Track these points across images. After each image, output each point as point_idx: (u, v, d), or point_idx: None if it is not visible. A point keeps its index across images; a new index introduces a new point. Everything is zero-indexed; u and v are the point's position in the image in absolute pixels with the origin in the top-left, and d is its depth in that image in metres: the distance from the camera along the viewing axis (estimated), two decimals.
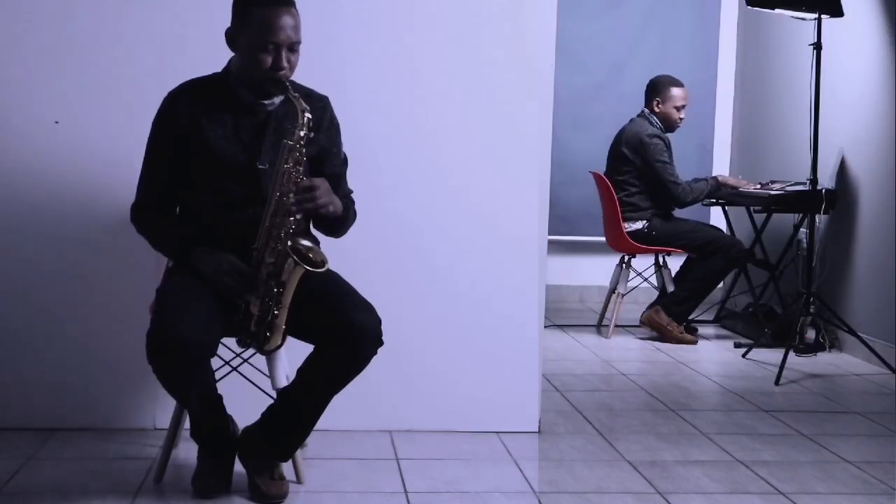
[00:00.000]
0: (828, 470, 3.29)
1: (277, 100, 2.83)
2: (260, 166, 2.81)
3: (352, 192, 2.98)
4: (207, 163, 2.80)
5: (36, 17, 3.36)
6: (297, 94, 2.74)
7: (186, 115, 2.81)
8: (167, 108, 2.85)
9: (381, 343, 2.75)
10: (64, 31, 3.37)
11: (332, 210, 2.76)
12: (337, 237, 2.96)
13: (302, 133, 2.72)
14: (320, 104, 2.89)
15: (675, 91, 5.57)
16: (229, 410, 2.91)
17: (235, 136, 2.81)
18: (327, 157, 2.89)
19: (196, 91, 2.85)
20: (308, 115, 2.73)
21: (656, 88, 5.59)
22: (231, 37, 2.79)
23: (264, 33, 2.71)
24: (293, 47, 2.75)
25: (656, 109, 5.56)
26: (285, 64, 2.73)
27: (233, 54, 2.84)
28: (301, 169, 2.72)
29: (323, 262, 2.73)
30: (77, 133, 3.38)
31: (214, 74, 2.88)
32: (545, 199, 3.62)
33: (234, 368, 3.00)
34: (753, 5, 5.02)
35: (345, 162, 2.99)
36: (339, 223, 2.89)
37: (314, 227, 2.96)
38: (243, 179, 2.81)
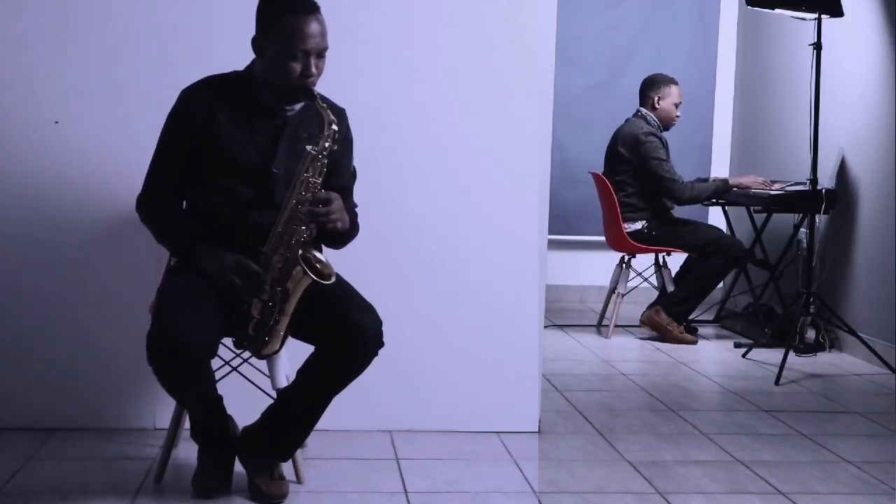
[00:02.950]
0: (828, 470, 3.29)
1: (298, 106, 2.82)
2: (274, 170, 2.80)
3: (356, 206, 2.98)
4: (220, 162, 2.80)
5: (36, 17, 3.36)
6: (325, 105, 2.74)
7: (203, 113, 2.80)
8: (183, 105, 2.84)
9: (381, 344, 2.75)
10: (64, 31, 3.37)
11: (340, 227, 2.76)
12: (336, 249, 2.96)
13: (327, 144, 2.71)
14: (337, 116, 2.88)
15: (673, 88, 5.58)
16: (229, 410, 2.91)
17: (250, 138, 2.80)
18: (337, 169, 2.88)
19: (214, 89, 2.84)
20: (335, 126, 2.72)
21: (653, 85, 5.59)
22: (258, 44, 2.78)
23: (294, 41, 2.70)
24: (321, 54, 2.75)
25: (656, 106, 5.56)
26: (314, 70, 2.73)
27: (254, 56, 2.83)
28: (320, 180, 2.73)
29: (330, 276, 2.73)
30: (77, 133, 3.38)
31: (234, 73, 2.87)
32: (545, 198, 3.62)
33: (234, 368, 3.00)
34: (753, 5, 5.02)
35: (353, 176, 2.99)
36: (342, 238, 2.90)
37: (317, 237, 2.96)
38: (255, 182, 2.80)
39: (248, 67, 2.86)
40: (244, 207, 2.80)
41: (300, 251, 2.70)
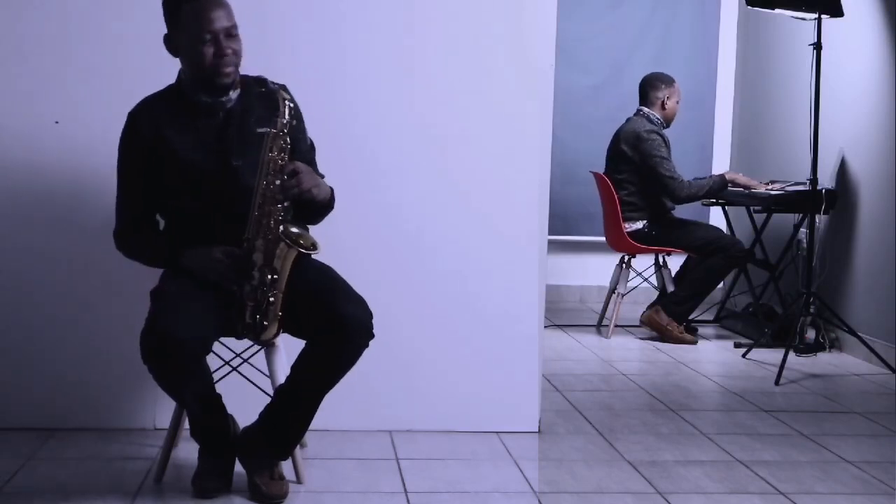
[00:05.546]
0: (828, 470, 3.29)
1: (234, 95, 2.85)
2: (235, 163, 2.82)
3: (323, 176, 2.97)
4: (181, 172, 2.82)
5: (36, 17, 3.36)
6: (276, 85, 2.76)
7: (149, 131, 2.83)
8: (130, 129, 2.88)
9: (371, 336, 2.76)
10: (64, 31, 3.37)
11: (317, 194, 2.77)
12: (316, 223, 2.96)
13: (285, 120, 2.73)
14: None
15: (676, 86, 5.62)
16: (229, 410, 2.91)
17: (199, 139, 2.83)
18: (296, 145, 2.89)
19: (154, 106, 2.88)
20: (290, 103, 2.75)
21: (659, 85, 5.58)
22: (170, 42, 2.82)
23: (198, 26, 2.74)
24: (230, 32, 2.77)
25: (666, 105, 5.56)
26: (228, 50, 2.75)
27: (181, 67, 2.86)
28: (286, 157, 2.74)
29: (314, 245, 2.74)
30: (77, 133, 3.38)
31: (168, 87, 2.91)
32: (545, 198, 3.62)
33: (234, 368, 3.00)
34: (753, 5, 5.02)
35: (312, 148, 3.00)
36: (323, 208, 2.90)
37: (295, 213, 2.96)
38: (220, 180, 2.82)
39: (178, 76, 2.89)
40: (218, 207, 2.82)
41: (281, 228, 2.72)
